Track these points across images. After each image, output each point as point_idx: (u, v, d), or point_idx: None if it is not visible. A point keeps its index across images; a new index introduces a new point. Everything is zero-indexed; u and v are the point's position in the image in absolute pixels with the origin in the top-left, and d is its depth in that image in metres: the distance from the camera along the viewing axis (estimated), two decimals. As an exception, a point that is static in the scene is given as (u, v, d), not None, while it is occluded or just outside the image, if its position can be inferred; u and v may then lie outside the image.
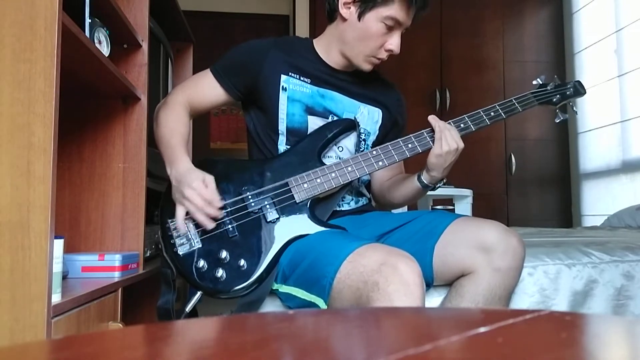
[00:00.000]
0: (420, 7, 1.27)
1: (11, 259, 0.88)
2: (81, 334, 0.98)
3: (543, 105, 1.40)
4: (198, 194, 1.14)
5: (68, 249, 1.29)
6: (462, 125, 1.30)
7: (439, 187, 1.35)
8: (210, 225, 1.16)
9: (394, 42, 1.28)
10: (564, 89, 1.41)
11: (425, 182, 1.32)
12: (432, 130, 1.28)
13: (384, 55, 1.31)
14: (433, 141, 1.27)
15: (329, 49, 1.36)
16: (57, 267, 0.94)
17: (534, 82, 1.42)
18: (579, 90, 1.41)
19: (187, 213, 1.18)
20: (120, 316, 1.26)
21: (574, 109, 1.45)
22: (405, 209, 2.52)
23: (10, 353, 0.41)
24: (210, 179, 1.17)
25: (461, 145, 1.26)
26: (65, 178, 1.42)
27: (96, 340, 0.47)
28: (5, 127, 0.89)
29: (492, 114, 1.32)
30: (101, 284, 1.14)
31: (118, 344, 0.45)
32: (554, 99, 1.40)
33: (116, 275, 1.26)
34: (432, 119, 1.28)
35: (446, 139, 1.24)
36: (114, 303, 1.22)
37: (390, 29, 1.27)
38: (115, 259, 1.27)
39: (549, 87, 1.40)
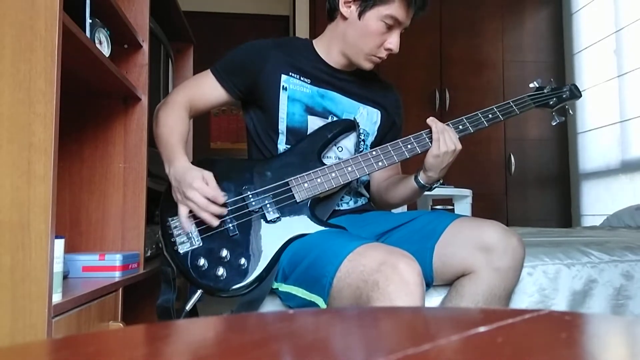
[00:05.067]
0: (420, 7, 1.29)
1: (11, 259, 0.88)
2: (81, 333, 0.98)
3: (540, 108, 1.41)
4: (200, 193, 1.14)
5: (68, 249, 1.29)
6: (460, 127, 1.31)
7: (436, 187, 1.35)
8: (215, 222, 1.16)
9: (393, 41, 1.29)
10: (561, 92, 1.42)
11: (422, 182, 1.32)
12: (431, 132, 1.29)
13: (383, 54, 1.31)
14: (432, 142, 1.28)
15: (329, 48, 1.37)
16: (58, 267, 0.94)
17: (531, 85, 1.43)
18: (575, 93, 1.43)
19: (190, 211, 1.18)
20: (121, 316, 1.26)
21: (570, 111, 1.47)
22: (405, 208, 2.52)
23: (10, 353, 0.42)
24: (209, 175, 1.17)
25: (459, 146, 1.27)
26: (65, 178, 1.42)
27: (97, 340, 0.48)
28: (5, 127, 0.89)
29: (490, 116, 1.33)
30: (102, 284, 1.14)
31: (118, 343, 0.45)
32: (551, 102, 1.41)
33: (117, 275, 1.26)
34: (431, 120, 1.29)
35: (444, 140, 1.25)
36: (114, 303, 1.22)
37: (389, 27, 1.28)
38: (116, 259, 1.27)
39: (545, 90, 1.41)
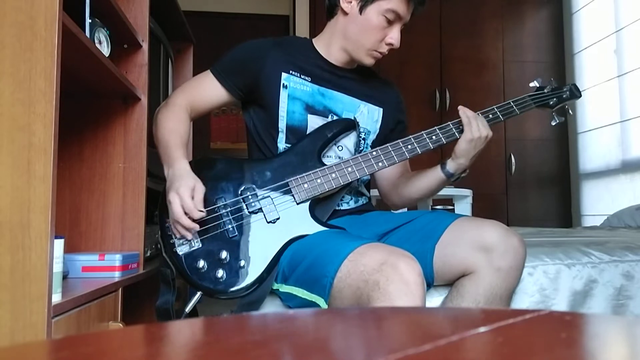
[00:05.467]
0: (419, 2, 1.30)
1: (11, 259, 0.88)
2: (81, 334, 0.98)
3: (540, 108, 1.41)
4: (179, 201, 1.13)
5: (68, 249, 1.29)
6: (460, 127, 1.31)
7: (463, 176, 1.34)
8: (186, 234, 1.15)
9: (394, 36, 1.29)
10: (561, 92, 1.42)
11: (451, 170, 1.31)
12: (431, 132, 1.30)
13: (384, 49, 1.32)
14: (432, 143, 1.29)
15: (329, 45, 1.37)
16: (58, 267, 0.94)
17: (531, 85, 1.43)
18: (575, 93, 1.43)
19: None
20: (121, 316, 1.26)
21: (570, 112, 1.47)
22: (405, 208, 2.52)
23: (10, 353, 0.41)
24: (200, 188, 1.15)
25: (490, 133, 1.29)
26: (65, 178, 1.42)
27: (96, 340, 0.47)
28: (5, 127, 0.89)
29: (490, 116, 1.34)
30: (101, 284, 1.14)
31: (118, 344, 0.45)
32: (551, 102, 1.41)
33: (116, 275, 1.26)
34: (461, 108, 1.30)
35: (477, 126, 1.26)
36: (114, 303, 1.22)
37: (390, 22, 1.29)
38: (116, 259, 1.27)
39: (545, 90, 1.41)
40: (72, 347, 0.43)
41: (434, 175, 1.34)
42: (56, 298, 0.94)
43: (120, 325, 1.22)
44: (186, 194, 1.13)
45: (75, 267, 1.25)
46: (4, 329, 0.87)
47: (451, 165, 1.31)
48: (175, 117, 1.29)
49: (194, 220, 1.14)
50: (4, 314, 0.87)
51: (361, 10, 1.28)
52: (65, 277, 1.18)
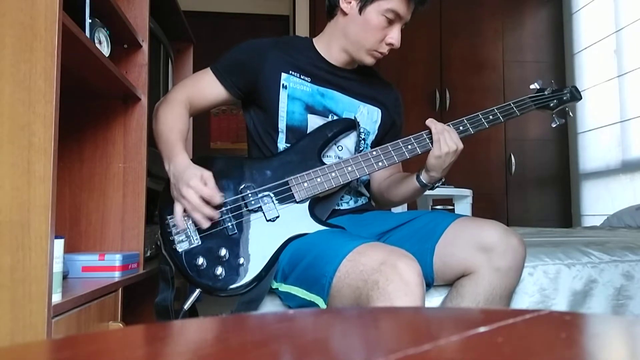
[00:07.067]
0: (420, 2, 1.29)
1: (11, 259, 0.88)
2: (81, 334, 0.98)
3: (540, 110, 1.41)
4: (196, 193, 1.13)
5: (68, 249, 1.29)
6: (460, 127, 1.31)
7: (438, 186, 1.35)
8: (205, 224, 1.15)
9: (394, 36, 1.29)
10: (561, 94, 1.42)
11: (424, 181, 1.32)
12: (431, 132, 1.30)
13: (385, 49, 1.32)
14: (432, 143, 1.28)
15: (329, 45, 1.37)
16: (58, 267, 0.94)
17: (532, 87, 1.43)
18: (575, 95, 1.43)
19: (185, 209, 1.17)
20: (121, 316, 1.26)
21: (570, 114, 1.47)
22: (405, 208, 2.52)
23: (10, 353, 0.42)
24: (208, 175, 1.16)
25: (460, 146, 1.26)
26: (65, 178, 1.42)
27: (96, 340, 0.48)
28: (5, 127, 0.89)
29: (491, 117, 1.33)
30: (101, 284, 1.14)
31: (118, 344, 0.45)
32: (551, 104, 1.41)
33: (116, 275, 1.26)
34: (430, 122, 1.28)
35: (445, 141, 1.25)
36: (114, 303, 1.22)
37: (390, 22, 1.28)
38: (116, 259, 1.27)
39: (546, 92, 1.41)
40: (72, 347, 0.43)
41: (411, 184, 1.36)
42: (56, 298, 0.94)
43: (120, 325, 1.22)
44: (199, 184, 1.14)
45: (75, 267, 1.25)
46: (4, 329, 0.87)
47: (424, 176, 1.32)
48: (174, 113, 1.30)
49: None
50: (4, 314, 0.87)
51: (361, 10, 1.28)
52: (65, 277, 1.18)
